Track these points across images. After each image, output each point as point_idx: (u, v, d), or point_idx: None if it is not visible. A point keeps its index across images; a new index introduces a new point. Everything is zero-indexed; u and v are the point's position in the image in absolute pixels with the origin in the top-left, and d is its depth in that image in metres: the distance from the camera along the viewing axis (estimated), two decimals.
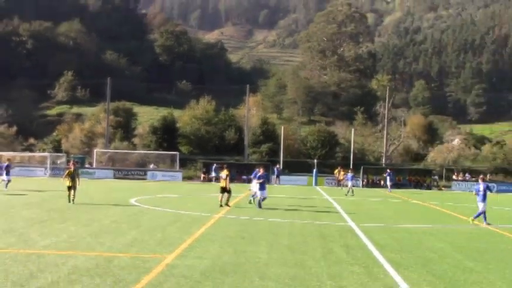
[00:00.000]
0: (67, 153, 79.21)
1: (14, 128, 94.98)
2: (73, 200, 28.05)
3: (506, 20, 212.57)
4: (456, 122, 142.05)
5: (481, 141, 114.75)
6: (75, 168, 29.92)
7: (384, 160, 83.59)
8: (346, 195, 44.82)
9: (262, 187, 29.21)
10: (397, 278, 12.48)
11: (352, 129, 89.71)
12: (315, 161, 71.95)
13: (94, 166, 70.76)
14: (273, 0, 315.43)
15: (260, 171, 30.20)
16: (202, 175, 66.79)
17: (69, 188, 28.42)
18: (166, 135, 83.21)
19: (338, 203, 35.64)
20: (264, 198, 29.21)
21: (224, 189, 28.59)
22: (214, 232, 19.20)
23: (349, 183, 47.66)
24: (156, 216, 24.27)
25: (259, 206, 28.71)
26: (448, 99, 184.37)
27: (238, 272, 12.46)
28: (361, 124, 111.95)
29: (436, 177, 73.37)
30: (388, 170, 58.35)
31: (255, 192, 29.94)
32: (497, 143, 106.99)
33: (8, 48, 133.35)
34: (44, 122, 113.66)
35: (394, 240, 18.60)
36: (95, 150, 74.71)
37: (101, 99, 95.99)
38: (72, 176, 28.73)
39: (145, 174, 67.12)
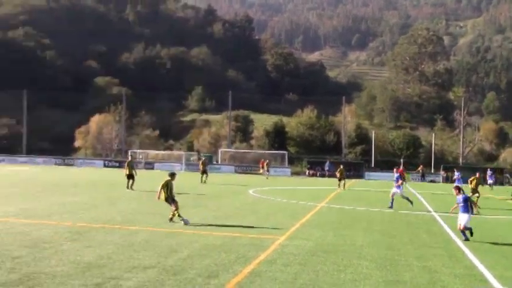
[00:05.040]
0: (198, 152, 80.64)
1: (157, 132, 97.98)
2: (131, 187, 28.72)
3: None
4: None
5: None
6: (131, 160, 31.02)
7: (460, 160, 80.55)
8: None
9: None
10: (475, 261, 11.98)
11: (433, 134, 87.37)
12: (401, 160, 70.34)
13: (219, 163, 71.37)
14: (364, 26, 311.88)
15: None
16: (307, 171, 66.57)
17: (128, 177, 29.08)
18: (277, 138, 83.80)
19: (422, 196, 34.71)
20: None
21: None
22: (318, 218, 19.15)
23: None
24: (270, 204, 24.41)
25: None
26: None
27: (338, 252, 12.37)
28: (440, 129, 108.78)
29: (507, 174, 69.78)
30: (489, 170, 51.76)
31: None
32: None
33: (152, 68, 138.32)
34: (180, 127, 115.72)
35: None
36: (220, 150, 75.32)
37: (224, 108, 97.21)
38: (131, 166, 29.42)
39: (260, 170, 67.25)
